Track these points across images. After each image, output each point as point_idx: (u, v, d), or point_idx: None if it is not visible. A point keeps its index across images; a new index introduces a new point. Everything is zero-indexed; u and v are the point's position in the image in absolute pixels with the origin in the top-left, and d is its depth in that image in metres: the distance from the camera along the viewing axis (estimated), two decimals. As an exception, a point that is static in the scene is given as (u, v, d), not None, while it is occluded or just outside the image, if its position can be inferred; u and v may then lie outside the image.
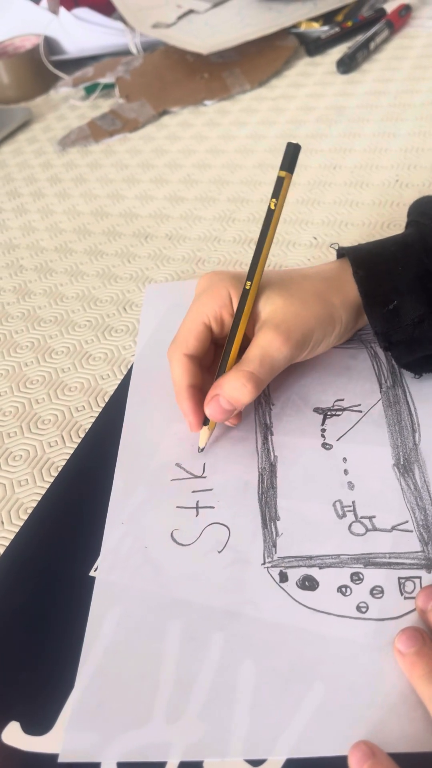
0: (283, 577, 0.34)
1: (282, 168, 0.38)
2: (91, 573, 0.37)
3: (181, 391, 0.41)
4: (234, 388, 0.38)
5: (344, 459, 0.39)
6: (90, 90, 0.98)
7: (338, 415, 0.41)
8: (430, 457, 0.38)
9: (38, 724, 0.31)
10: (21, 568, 0.38)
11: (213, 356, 0.44)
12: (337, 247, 0.44)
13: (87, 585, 0.36)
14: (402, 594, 0.32)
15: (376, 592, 0.33)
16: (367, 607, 0.32)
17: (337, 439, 0.40)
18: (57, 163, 0.85)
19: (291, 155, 0.38)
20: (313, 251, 0.57)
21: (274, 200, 0.38)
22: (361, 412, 0.41)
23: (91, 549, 0.38)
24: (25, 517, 0.41)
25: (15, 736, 0.31)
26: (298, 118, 0.79)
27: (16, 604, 0.36)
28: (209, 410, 0.39)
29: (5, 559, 0.39)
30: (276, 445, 0.41)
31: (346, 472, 0.38)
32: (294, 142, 0.38)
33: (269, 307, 0.39)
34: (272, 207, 0.39)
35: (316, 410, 0.42)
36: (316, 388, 0.43)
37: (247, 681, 0.31)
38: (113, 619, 0.34)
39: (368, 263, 0.40)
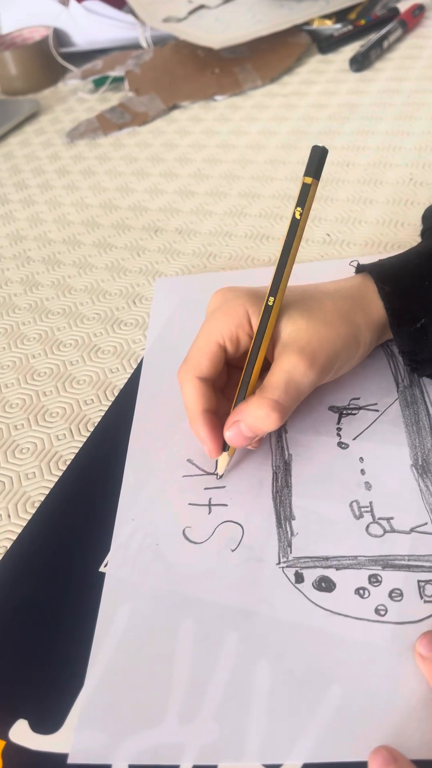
0: (299, 578, 0.33)
1: (307, 174, 0.35)
2: (101, 569, 0.36)
3: (196, 417, 0.38)
4: (258, 418, 0.35)
5: (361, 458, 0.38)
6: (99, 83, 0.98)
7: (354, 414, 0.41)
8: (449, 458, 0.37)
9: (47, 723, 0.30)
10: (29, 562, 0.37)
11: (226, 377, 0.41)
12: (356, 264, 0.42)
13: (97, 581, 0.35)
14: (422, 597, 0.32)
15: (395, 594, 0.32)
16: (386, 610, 0.31)
17: (354, 438, 0.39)
18: (65, 156, 0.84)
19: (317, 160, 0.35)
20: (326, 248, 0.56)
21: (299, 209, 0.35)
22: (377, 411, 0.40)
23: (101, 544, 0.37)
24: (32, 511, 0.41)
25: (23, 734, 0.30)
26: (311, 115, 0.78)
27: (24, 599, 0.36)
28: (229, 436, 0.36)
29: (13, 553, 0.38)
30: (290, 442, 0.40)
31: (363, 471, 0.37)
32: (320, 145, 0.35)
33: (291, 327, 0.37)
34: (297, 216, 0.35)
35: (332, 408, 0.41)
36: (331, 386, 0.42)
37: (263, 682, 0.30)
38: (124, 616, 0.33)
39: (393, 279, 0.39)
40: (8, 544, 0.39)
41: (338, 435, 0.40)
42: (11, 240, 0.69)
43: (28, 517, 0.40)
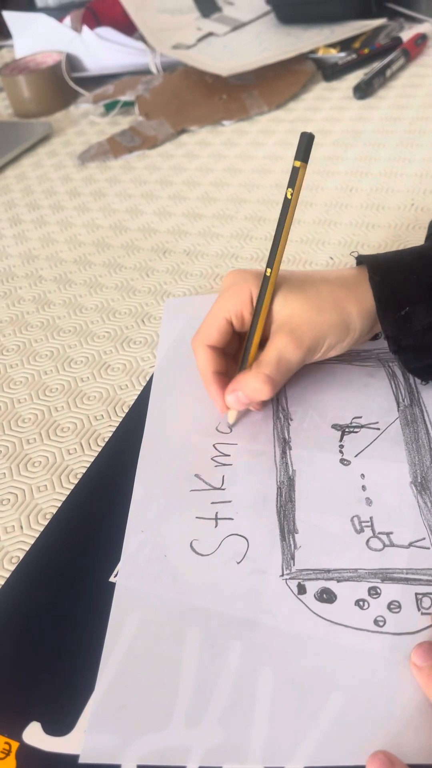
0: (302, 589, 0.35)
1: (296, 158, 0.39)
2: (111, 579, 0.37)
3: (207, 378, 0.44)
4: (253, 389, 0.41)
5: (362, 475, 0.40)
6: (110, 107, 1.00)
7: (356, 432, 0.42)
8: (447, 476, 0.38)
9: (59, 725, 0.32)
10: (42, 571, 0.39)
11: (238, 344, 0.46)
12: (356, 255, 0.45)
13: (107, 590, 0.37)
14: (419, 609, 0.33)
15: (394, 606, 0.33)
16: (385, 621, 0.33)
17: (355, 456, 0.41)
18: (76, 177, 0.86)
19: (305, 145, 0.39)
20: (330, 271, 0.58)
21: (290, 189, 0.40)
22: (378, 429, 0.42)
23: (111, 555, 0.38)
24: (44, 522, 0.42)
25: (36, 736, 0.31)
26: (315, 141, 0.79)
27: (37, 607, 0.37)
28: (229, 401, 0.43)
29: (26, 562, 0.40)
30: (294, 459, 0.41)
31: (364, 488, 0.39)
32: (308, 131, 0.39)
33: (287, 310, 0.41)
34: (288, 196, 0.40)
35: (334, 426, 0.43)
36: (334, 404, 0.44)
37: (266, 689, 0.31)
38: (133, 623, 0.35)
39: (384, 270, 0.42)
40: (21, 554, 0.40)
41: (341, 452, 0.41)
42: (24, 259, 0.71)
43: (41, 529, 0.42)
